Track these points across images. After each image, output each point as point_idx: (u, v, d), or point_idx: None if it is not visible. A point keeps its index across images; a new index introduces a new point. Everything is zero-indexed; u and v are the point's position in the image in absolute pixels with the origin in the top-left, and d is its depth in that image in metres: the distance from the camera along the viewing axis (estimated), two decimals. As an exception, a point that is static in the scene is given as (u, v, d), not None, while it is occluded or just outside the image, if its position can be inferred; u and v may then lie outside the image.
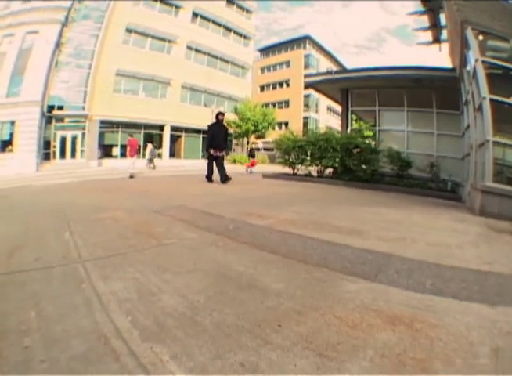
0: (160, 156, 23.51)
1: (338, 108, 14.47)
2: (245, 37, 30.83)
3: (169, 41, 24.38)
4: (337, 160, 9.09)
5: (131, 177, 9.30)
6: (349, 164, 8.76)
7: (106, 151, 21.56)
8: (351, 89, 11.27)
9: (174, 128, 24.45)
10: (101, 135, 21.10)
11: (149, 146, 17.46)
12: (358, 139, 9.18)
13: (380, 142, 9.66)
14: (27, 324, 1.16)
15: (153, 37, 23.48)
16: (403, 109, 10.12)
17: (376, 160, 8.66)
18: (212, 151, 7.38)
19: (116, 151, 22.11)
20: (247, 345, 1.07)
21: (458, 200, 6.52)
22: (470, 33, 5.55)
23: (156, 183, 7.78)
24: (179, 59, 24.81)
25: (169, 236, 2.49)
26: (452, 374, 0.95)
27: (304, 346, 1.08)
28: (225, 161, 8.01)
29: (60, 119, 19.75)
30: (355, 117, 12.76)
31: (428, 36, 10.90)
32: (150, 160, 16.50)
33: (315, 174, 9.79)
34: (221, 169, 7.22)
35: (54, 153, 19.69)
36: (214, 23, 27.76)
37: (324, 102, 36.58)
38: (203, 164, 21.43)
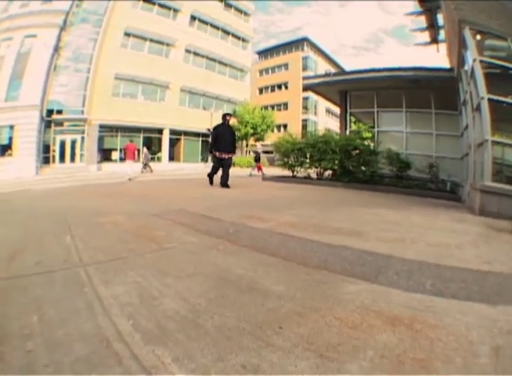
0: (159, 159, 23.52)
1: (337, 110, 14.49)
2: (243, 39, 30.96)
3: (167, 45, 24.46)
4: (336, 162, 9.09)
5: (130, 179, 10.01)
6: (348, 165, 8.77)
7: (105, 155, 21.58)
8: (350, 91, 11.31)
9: (173, 132, 24.46)
10: (100, 139, 21.11)
11: (144, 150, 17.54)
12: (357, 141, 9.18)
13: (378, 144, 9.68)
14: (29, 328, 1.16)
15: (152, 40, 23.55)
16: (402, 110, 10.13)
17: (376, 161, 8.67)
18: (218, 154, 7.09)
19: (115, 155, 22.11)
20: (249, 346, 1.08)
21: (457, 201, 6.53)
22: (467, 32, 5.57)
23: (156, 187, 7.80)
24: (178, 62, 24.88)
25: (170, 240, 2.50)
26: (452, 374, 0.96)
27: (304, 347, 1.08)
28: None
29: (59, 123, 19.77)
30: (353, 119, 12.78)
31: (426, 37, 10.95)
32: (145, 165, 16.60)
33: (314, 176, 9.80)
34: (225, 174, 7.00)
35: (53, 157, 19.69)
36: (212, 26, 27.87)
37: (323, 104, 36.67)
38: (202, 167, 21.43)
